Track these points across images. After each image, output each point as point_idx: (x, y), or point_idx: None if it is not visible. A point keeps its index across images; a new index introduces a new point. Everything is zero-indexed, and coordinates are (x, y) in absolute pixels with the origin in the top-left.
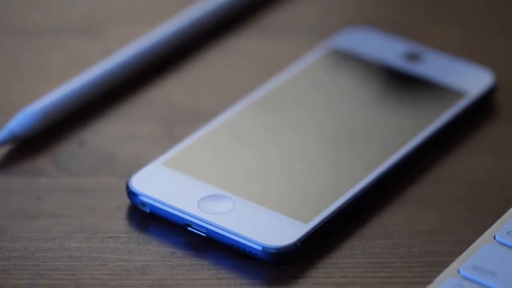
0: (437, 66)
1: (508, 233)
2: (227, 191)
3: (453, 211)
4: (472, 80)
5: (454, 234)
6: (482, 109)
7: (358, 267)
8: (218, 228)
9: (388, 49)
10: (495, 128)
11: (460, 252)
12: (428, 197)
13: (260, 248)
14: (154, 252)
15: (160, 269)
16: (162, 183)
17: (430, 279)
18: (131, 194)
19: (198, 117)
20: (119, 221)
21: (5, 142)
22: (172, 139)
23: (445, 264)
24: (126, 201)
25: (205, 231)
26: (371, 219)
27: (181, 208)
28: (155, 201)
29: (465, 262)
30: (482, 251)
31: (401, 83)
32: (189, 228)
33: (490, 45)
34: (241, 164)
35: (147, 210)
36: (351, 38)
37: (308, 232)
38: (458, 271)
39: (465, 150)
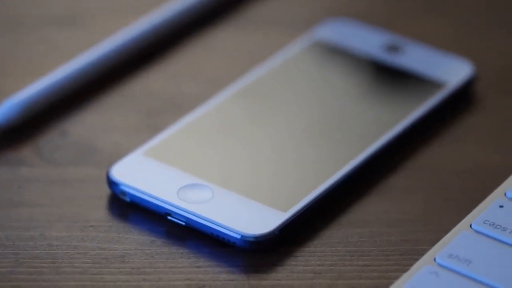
0: (417, 57)
1: (484, 222)
2: (207, 181)
3: (431, 200)
4: (451, 71)
5: (432, 223)
6: (461, 99)
7: (335, 255)
8: (197, 217)
9: (369, 41)
10: (474, 119)
11: (437, 240)
12: (406, 187)
13: (238, 236)
14: (134, 240)
15: (139, 257)
16: (142, 173)
17: (407, 267)
18: (112, 184)
19: (180, 107)
20: (100, 211)
21: None
22: (154, 130)
23: (422, 253)
24: (106, 191)
25: (184, 220)
26: (349, 208)
27: (161, 197)
28: (135, 190)
29: (441, 250)
30: (458, 240)
31: (382, 74)
32: (169, 217)
33: (469, 36)
34: (221, 154)
35: (127, 199)
36: (331, 30)
37: (286, 221)
38: (434, 259)
39: (444, 140)
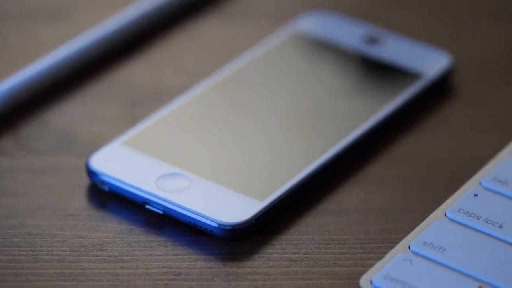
0: (396, 49)
1: (458, 211)
2: (185, 170)
3: (407, 190)
4: (429, 63)
5: (408, 212)
6: (439, 91)
7: (311, 244)
8: (175, 205)
9: (348, 33)
10: (451, 110)
11: (413, 229)
12: (383, 176)
13: (215, 225)
14: (112, 229)
15: (117, 245)
16: (121, 162)
17: (382, 255)
18: (91, 173)
19: (161, 98)
20: (79, 200)
21: None
22: (134, 120)
23: (397, 241)
24: (86, 180)
25: (162, 209)
26: (326, 197)
27: (139, 186)
28: (113, 179)
29: (415, 238)
30: (432, 228)
31: (361, 65)
32: (147, 206)
33: (448, 29)
34: (199, 144)
35: (106, 188)
36: (311, 22)
37: (262, 209)
38: (409, 247)
39: (420, 131)
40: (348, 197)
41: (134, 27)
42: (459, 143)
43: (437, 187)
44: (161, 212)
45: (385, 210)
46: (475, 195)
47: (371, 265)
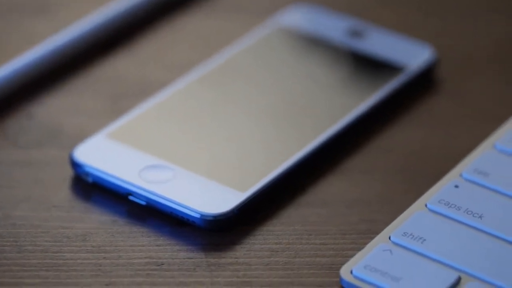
0: (380, 43)
1: (439, 201)
2: (168, 162)
3: (390, 181)
4: (412, 56)
5: (390, 203)
6: (422, 83)
7: (293, 234)
8: (158, 196)
9: (332, 26)
10: (434, 102)
11: (395, 220)
12: (366, 168)
13: (198, 215)
14: (96, 220)
15: (100, 236)
16: (105, 154)
17: (363, 245)
18: (75, 165)
19: (145, 92)
20: (63, 191)
21: None
22: (119, 113)
23: (379, 232)
24: (70, 172)
25: (145, 200)
26: (309, 189)
27: (122, 177)
28: (97, 171)
29: (396, 229)
30: (413, 218)
31: (344, 59)
32: (130, 197)
33: (432, 22)
34: (183, 136)
35: (90, 180)
36: (295, 15)
37: (245, 200)
38: (389, 238)
39: (404, 123)
40: (330, 189)
41: (119, 21)
42: (441, 135)
43: (419, 179)
44: (144, 203)
45: (367, 201)
46: (456, 186)
47: (352, 256)
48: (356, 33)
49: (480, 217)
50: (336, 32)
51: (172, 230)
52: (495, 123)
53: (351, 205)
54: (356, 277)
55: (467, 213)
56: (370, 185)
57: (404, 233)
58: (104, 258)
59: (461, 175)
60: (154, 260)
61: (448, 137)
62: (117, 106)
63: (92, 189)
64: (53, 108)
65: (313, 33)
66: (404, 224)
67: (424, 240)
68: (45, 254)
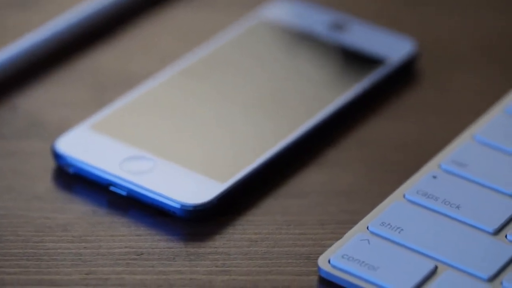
0: (361, 36)
1: (417, 192)
2: (149, 153)
3: (370, 172)
4: (394, 49)
5: (370, 194)
6: (403, 76)
7: (272, 224)
8: (138, 187)
9: (314, 19)
10: (414, 95)
11: None
12: (346, 159)
13: (178, 206)
14: (77, 210)
15: (81, 226)
16: (87, 145)
17: (342, 235)
18: (57, 156)
19: (129, 84)
20: (45, 182)
21: None
22: (102, 105)
23: (357, 222)
24: (53, 163)
25: (126, 191)
26: (289, 180)
27: (103, 168)
28: (79, 162)
29: (374, 219)
30: (391, 209)
31: (326, 51)
32: (111, 188)
33: (413, 15)
34: (164, 127)
35: (72, 171)
36: (278, 8)
37: (224, 191)
38: (367, 227)
39: (384, 115)
40: (310, 180)
41: (103, 13)
42: (421, 127)
43: (399, 170)
44: (124, 193)
45: (346, 192)
46: (434, 177)
47: (330, 246)
48: (338, 26)
49: (458, 207)
50: (318, 25)
51: (152, 220)
52: (475, 115)
53: (330, 196)
54: (333, 266)
55: (444, 203)
56: (350, 176)
57: (382, 223)
58: (85, 247)
59: (439, 166)
60: (134, 249)
61: (428, 129)
62: (100, 98)
63: (74, 180)
64: (36, 99)
65: (295, 26)
66: (382, 214)
67: (402, 230)
68: (26, 244)
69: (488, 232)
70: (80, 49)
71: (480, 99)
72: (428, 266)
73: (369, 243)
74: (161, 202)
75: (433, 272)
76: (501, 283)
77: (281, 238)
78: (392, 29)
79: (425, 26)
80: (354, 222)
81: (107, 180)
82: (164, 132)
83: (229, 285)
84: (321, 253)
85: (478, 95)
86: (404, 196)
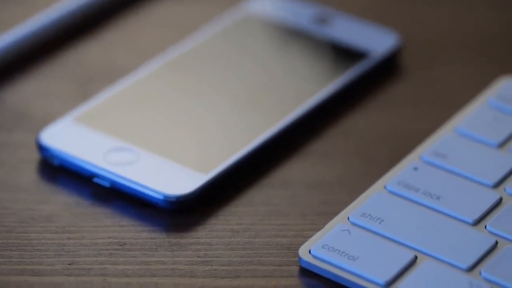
0: (345, 29)
1: (398, 183)
2: (132, 144)
3: (352, 164)
4: (377, 42)
5: (351, 185)
6: (387, 69)
7: (255, 215)
8: (122, 178)
9: (298, 13)
10: (397, 87)
11: None
12: (328, 151)
13: (161, 197)
14: (61, 202)
15: (65, 217)
16: (71, 137)
17: (323, 226)
18: (41, 148)
19: (113, 77)
20: (30, 174)
21: None
22: (87, 98)
23: (339, 213)
24: (37, 155)
25: (109, 182)
26: (271, 171)
27: (87, 160)
28: (63, 154)
29: (355, 210)
30: (372, 200)
31: (310, 45)
32: (95, 179)
33: (397, 8)
34: (148, 120)
35: (56, 163)
36: (262, 2)
37: (207, 182)
38: (348, 218)
39: (366, 107)
40: (293, 171)
41: (88, 7)
42: (403, 120)
43: (381, 161)
44: (108, 185)
45: (329, 184)
46: (415, 169)
47: (312, 236)
48: (322, 20)
49: (438, 198)
50: (302, 19)
51: (135, 212)
52: (457, 108)
53: (313, 187)
54: (314, 257)
55: (425, 194)
56: (332, 168)
57: (362, 213)
58: (68, 238)
59: (420, 158)
60: (117, 240)
61: (410, 121)
62: (84, 91)
63: (58, 171)
64: (22, 92)
65: (280, 20)
66: (363, 205)
67: (382, 220)
68: (9, 235)
69: (467, 223)
70: (66, 43)
71: (462, 92)
72: (408, 256)
73: (349, 233)
74: (144, 194)
75: (412, 262)
76: (480, 272)
77: (263, 229)
78: (376, 22)
79: (410, 20)
80: (336, 213)
81: (90, 171)
82: (148, 124)
83: (210, 275)
84: (302, 244)
85: (461, 88)
86: (385, 187)
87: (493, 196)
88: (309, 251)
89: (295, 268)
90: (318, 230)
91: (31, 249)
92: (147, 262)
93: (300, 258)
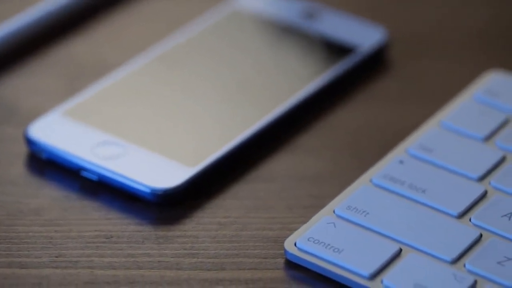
0: (333, 24)
1: (384, 176)
2: (120, 138)
3: (339, 158)
4: (364, 37)
5: (338, 179)
6: (374, 63)
7: (242, 208)
8: (109, 172)
9: (286, 8)
10: (384, 82)
11: None
12: (315, 145)
13: (148, 190)
14: (49, 195)
15: (53, 210)
16: (59, 131)
17: (309, 219)
18: (29, 142)
19: (102, 72)
20: (19, 168)
21: None
22: (75, 93)
23: (325, 206)
24: (25, 149)
25: (96, 175)
26: (259, 165)
27: (75, 153)
28: (51, 147)
29: (340, 203)
30: (358, 193)
31: (298, 40)
32: (83, 173)
33: (385, 4)
34: (136, 114)
35: (44, 156)
36: None
37: (194, 175)
38: (334, 211)
39: (353, 101)
40: (280, 165)
41: (76, 3)
42: (390, 114)
43: (368, 155)
44: (95, 178)
45: (315, 177)
46: (401, 162)
47: (298, 229)
48: (310, 15)
49: (423, 191)
50: (290, 14)
51: (123, 205)
52: (443, 102)
53: (299, 181)
54: (299, 249)
55: (410, 187)
56: (319, 162)
57: (348, 206)
58: (56, 231)
59: (406, 151)
60: (104, 233)
61: (397, 116)
62: (73, 86)
63: (46, 165)
64: (11, 87)
65: (268, 15)
66: (349, 198)
67: (368, 213)
68: None
69: (452, 216)
70: (55, 38)
71: (449, 86)
72: (393, 248)
73: (335, 226)
74: (132, 187)
75: (397, 255)
76: (464, 265)
77: (250, 222)
78: (364, 17)
79: (397, 15)
80: (322, 207)
81: (78, 165)
82: (135, 118)
83: (196, 267)
84: (288, 236)
85: (448, 82)
86: (371, 180)
87: (478, 189)
88: (295, 244)
89: (281, 261)
90: (304, 223)
91: (18, 242)
92: (133, 255)
93: (285, 251)
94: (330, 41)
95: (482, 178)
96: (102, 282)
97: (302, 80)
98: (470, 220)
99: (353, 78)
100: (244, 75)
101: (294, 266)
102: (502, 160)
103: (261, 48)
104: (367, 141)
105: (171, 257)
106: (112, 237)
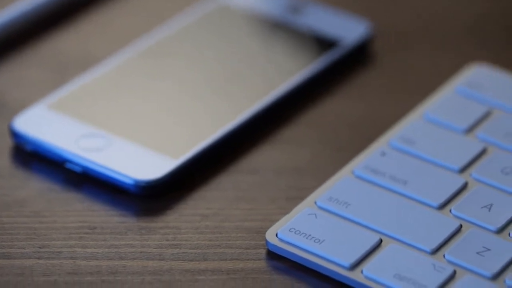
0: (317, 18)
1: (366, 168)
2: (104, 130)
3: (321, 150)
4: (348, 31)
5: (321, 171)
6: (358, 57)
7: (224, 200)
8: (93, 163)
9: (271, 2)
10: (368, 76)
11: None
12: (299, 138)
13: (131, 182)
14: (34, 187)
15: (37, 202)
16: (44, 124)
17: (291, 210)
18: (14, 134)
19: (88, 65)
20: (4, 160)
21: None
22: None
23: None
24: (11, 142)
25: (81, 167)
26: (241, 157)
27: (59, 145)
28: (36, 140)
29: (322, 194)
30: (339, 184)
31: (283, 34)
32: (67, 165)
33: None
34: (120, 106)
35: (29, 149)
36: None
37: (177, 167)
38: (315, 202)
39: (336, 95)
40: (262, 157)
41: None
42: (373, 107)
43: (350, 148)
44: (80, 170)
45: (298, 170)
46: (383, 154)
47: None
48: (294, 9)
49: (404, 183)
50: (275, 8)
51: (107, 196)
52: (426, 95)
53: (281, 173)
54: (281, 240)
55: (391, 179)
56: (301, 154)
57: (329, 198)
58: (40, 222)
59: (388, 143)
60: (87, 224)
61: (379, 109)
62: (60, 79)
63: (31, 157)
64: None
65: (252, 8)
66: (330, 190)
67: (349, 205)
68: None
69: (432, 207)
70: (41, 31)
71: (432, 79)
72: (373, 239)
73: (316, 217)
74: (115, 179)
75: (377, 245)
76: (444, 255)
77: (232, 213)
78: (348, 11)
79: (381, 9)
80: (304, 198)
81: (62, 157)
82: (119, 111)
83: (178, 258)
84: (270, 227)
85: (431, 75)
86: (352, 172)
87: (459, 181)
88: (276, 235)
89: (262, 251)
90: (286, 214)
91: (2, 233)
92: (116, 246)
93: (267, 241)
94: (314, 35)
95: (463, 169)
96: (85, 272)
97: (286, 73)
98: (450, 211)
99: (337, 71)
100: (228, 68)
101: (275, 257)
102: (483, 152)
103: (245, 42)
104: (350, 134)
105: (154, 248)
106: (95, 228)
